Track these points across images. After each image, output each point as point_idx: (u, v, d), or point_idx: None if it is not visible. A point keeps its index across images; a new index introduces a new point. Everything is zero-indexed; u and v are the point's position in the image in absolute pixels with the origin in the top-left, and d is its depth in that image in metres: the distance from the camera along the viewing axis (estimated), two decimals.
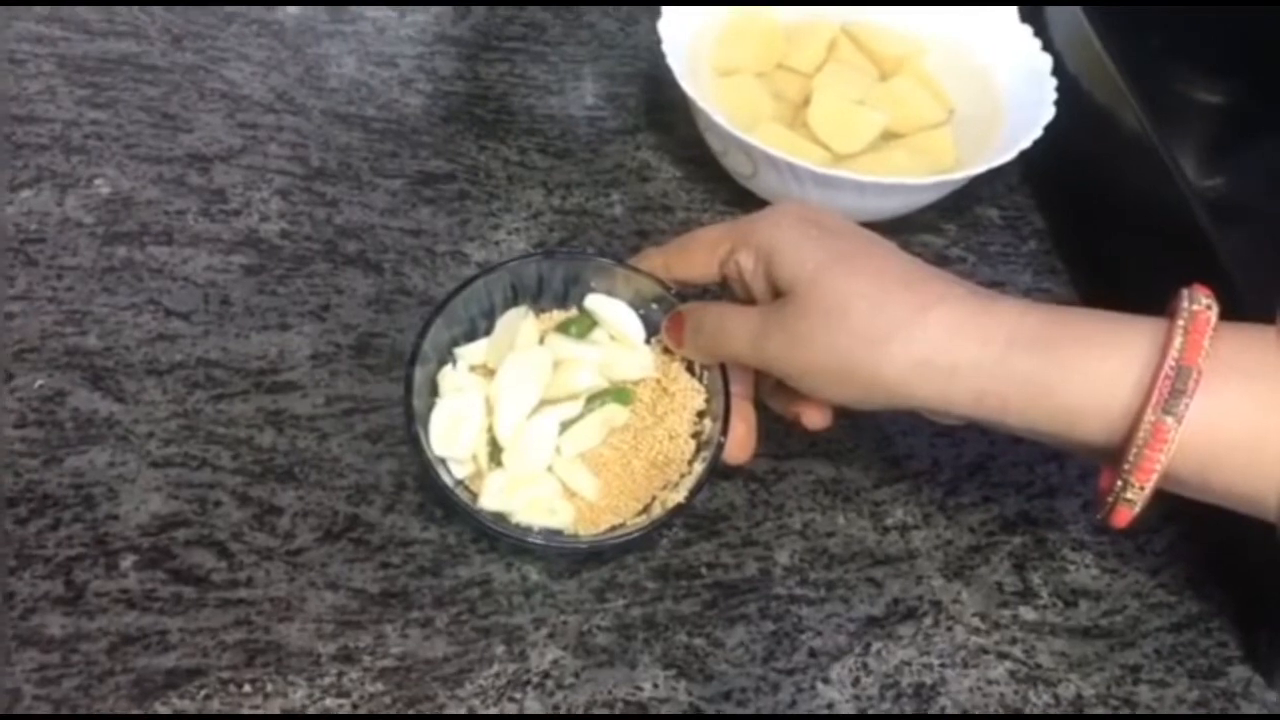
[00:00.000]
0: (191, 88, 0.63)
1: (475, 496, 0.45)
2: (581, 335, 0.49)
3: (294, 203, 0.58)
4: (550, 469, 0.46)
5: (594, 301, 0.50)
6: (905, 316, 0.40)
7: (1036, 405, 0.40)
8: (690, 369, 0.49)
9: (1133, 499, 0.39)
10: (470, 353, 0.48)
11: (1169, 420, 0.37)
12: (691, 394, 0.49)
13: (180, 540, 0.46)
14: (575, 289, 0.51)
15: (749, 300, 0.46)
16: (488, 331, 0.49)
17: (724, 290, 0.48)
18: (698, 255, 0.47)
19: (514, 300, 0.50)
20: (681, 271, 0.48)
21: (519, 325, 0.48)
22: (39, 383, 0.50)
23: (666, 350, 0.49)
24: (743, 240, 0.45)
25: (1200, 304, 0.39)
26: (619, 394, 0.48)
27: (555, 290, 0.51)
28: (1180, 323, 0.38)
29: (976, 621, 0.48)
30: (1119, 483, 0.39)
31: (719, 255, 0.46)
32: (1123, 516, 0.40)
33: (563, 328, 0.50)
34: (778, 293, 0.44)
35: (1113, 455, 0.40)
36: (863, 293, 0.41)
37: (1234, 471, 0.38)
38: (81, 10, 0.66)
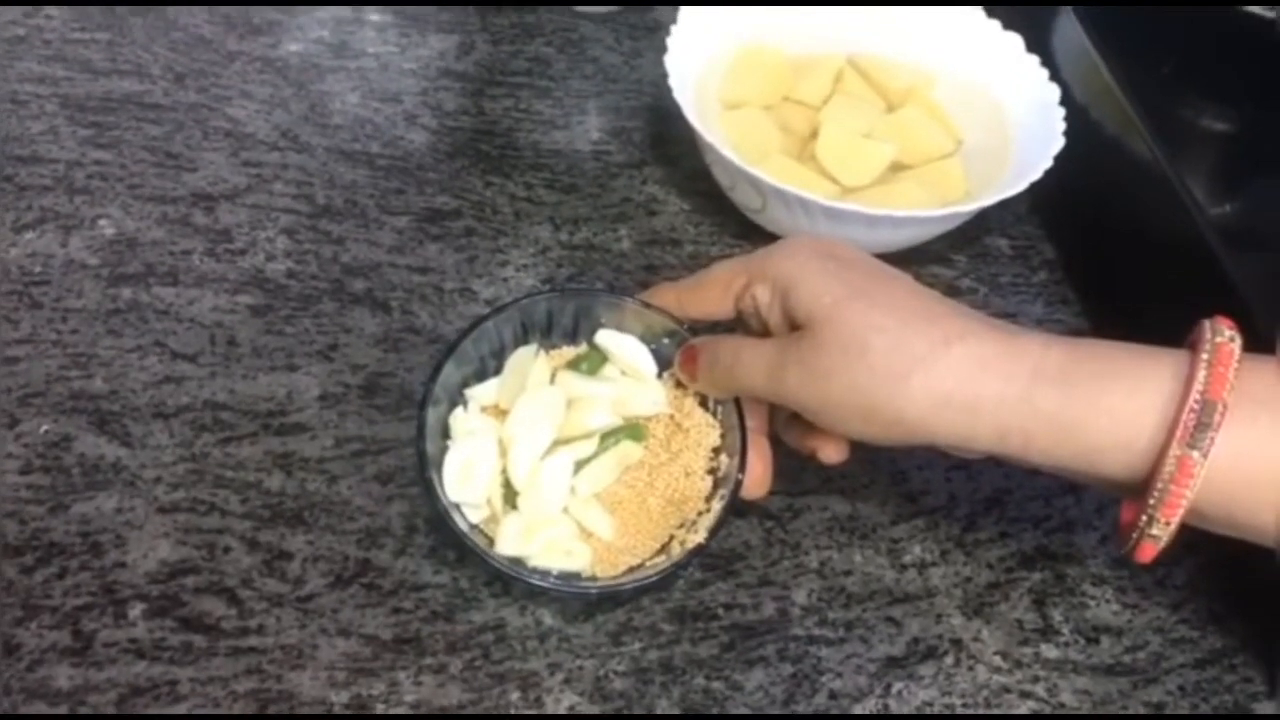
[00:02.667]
0: (195, 127, 0.63)
1: (490, 541, 0.45)
2: (593, 372, 0.49)
3: (300, 241, 0.58)
4: (566, 510, 0.46)
5: (604, 337, 0.50)
6: (926, 352, 0.40)
7: (1061, 441, 0.39)
8: (704, 404, 0.49)
9: (1158, 535, 0.39)
10: (481, 393, 0.48)
11: (1195, 455, 0.37)
12: (706, 429, 0.48)
13: (189, 587, 0.46)
14: (585, 324, 0.50)
15: (764, 334, 0.45)
16: (497, 371, 0.49)
17: (738, 326, 0.48)
18: (712, 291, 0.47)
19: (524, 338, 0.50)
20: (695, 308, 0.48)
21: (530, 364, 0.48)
22: (44, 428, 0.49)
23: (679, 385, 0.49)
24: (759, 274, 0.44)
25: (1224, 336, 0.38)
26: (632, 431, 0.48)
27: (565, 326, 0.50)
28: (1204, 356, 0.38)
29: (998, 660, 0.47)
30: (1144, 518, 0.39)
31: (734, 290, 0.46)
32: (1147, 552, 0.40)
33: (573, 364, 0.49)
34: (794, 326, 0.43)
35: (1136, 490, 0.39)
36: (882, 327, 0.40)
37: (1260, 506, 0.38)
38: (84, 50, 0.65)
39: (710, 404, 0.49)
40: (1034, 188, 0.56)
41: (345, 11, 0.71)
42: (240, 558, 0.47)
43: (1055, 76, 0.61)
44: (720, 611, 0.47)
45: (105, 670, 0.43)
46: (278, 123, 0.64)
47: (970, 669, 0.47)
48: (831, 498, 0.51)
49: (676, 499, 0.47)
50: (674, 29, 0.60)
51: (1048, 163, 0.56)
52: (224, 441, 0.50)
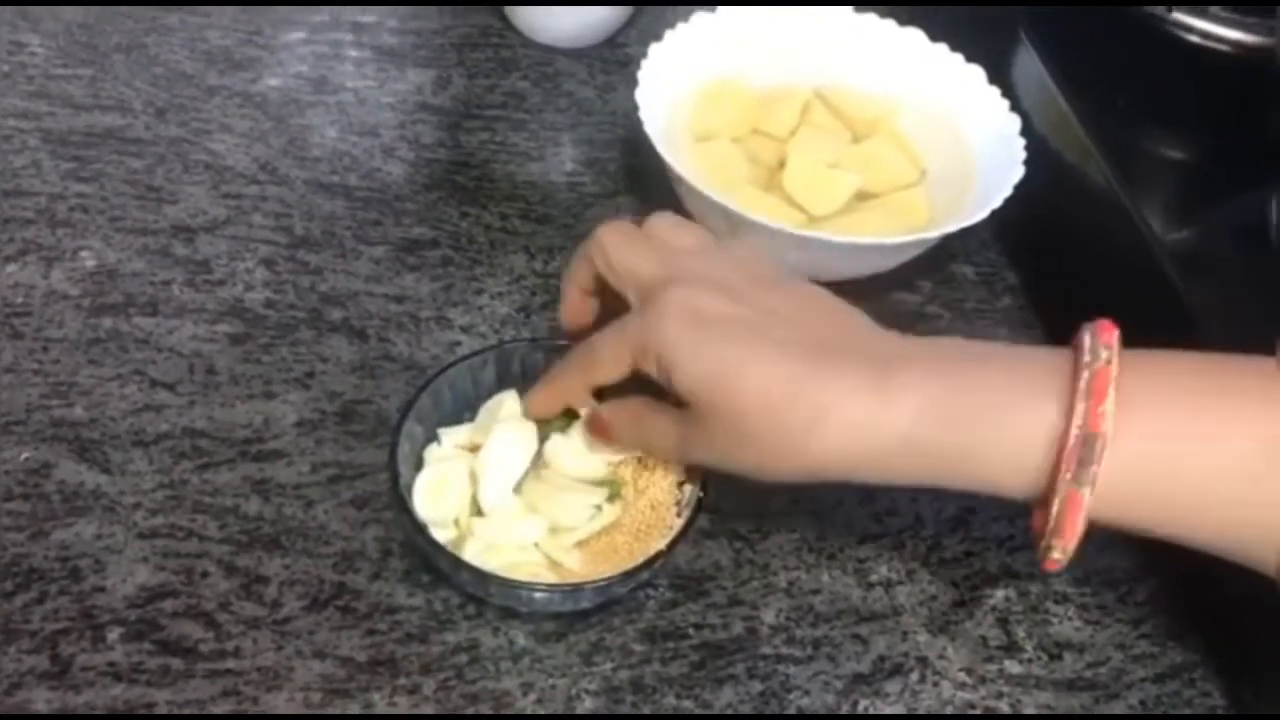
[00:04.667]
0: (176, 160, 0.64)
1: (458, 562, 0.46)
2: (564, 430, 0.49)
3: (278, 272, 0.59)
4: (536, 545, 0.47)
5: None
6: (802, 430, 0.40)
7: (949, 477, 0.41)
8: None
9: (1059, 558, 0.40)
10: (455, 433, 0.49)
11: (1082, 490, 0.38)
12: (672, 466, 0.49)
13: (167, 611, 0.46)
14: None
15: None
16: (470, 417, 0.50)
17: None
18: (604, 369, 0.45)
19: (497, 387, 0.51)
20: (596, 382, 0.46)
21: (503, 402, 0.49)
22: (25, 455, 0.50)
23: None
24: (640, 351, 0.43)
25: (1101, 359, 0.38)
26: (611, 489, 0.49)
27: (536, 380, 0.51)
28: (1081, 384, 0.38)
29: (963, 676, 0.48)
30: (1043, 544, 0.40)
31: (625, 364, 0.44)
32: (1052, 565, 0.41)
33: (543, 432, 0.49)
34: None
35: (1041, 503, 0.40)
36: (753, 412, 0.41)
37: (1155, 514, 0.39)
38: (66, 85, 0.67)
39: None
40: (997, 215, 0.58)
41: (324, 47, 0.72)
42: (218, 582, 0.47)
43: (1016, 107, 0.62)
44: (690, 631, 0.48)
45: (83, 693, 0.44)
46: (257, 156, 0.65)
47: (935, 685, 0.48)
48: (800, 518, 0.52)
49: (643, 532, 0.48)
50: (644, 64, 0.62)
51: (1008, 191, 0.58)
52: (202, 468, 0.51)
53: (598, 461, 0.48)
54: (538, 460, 0.48)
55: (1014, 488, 0.40)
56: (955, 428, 0.39)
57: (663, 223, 0.47)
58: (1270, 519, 0.38)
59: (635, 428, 0.46)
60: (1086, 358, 0.38)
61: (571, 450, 0.48)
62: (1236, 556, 0.40)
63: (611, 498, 0.48)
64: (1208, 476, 0.38)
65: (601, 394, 0.47)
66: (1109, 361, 0.38)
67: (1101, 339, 0.39)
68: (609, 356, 0.45)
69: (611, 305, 0.47)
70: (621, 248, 0.45)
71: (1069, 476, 0.38)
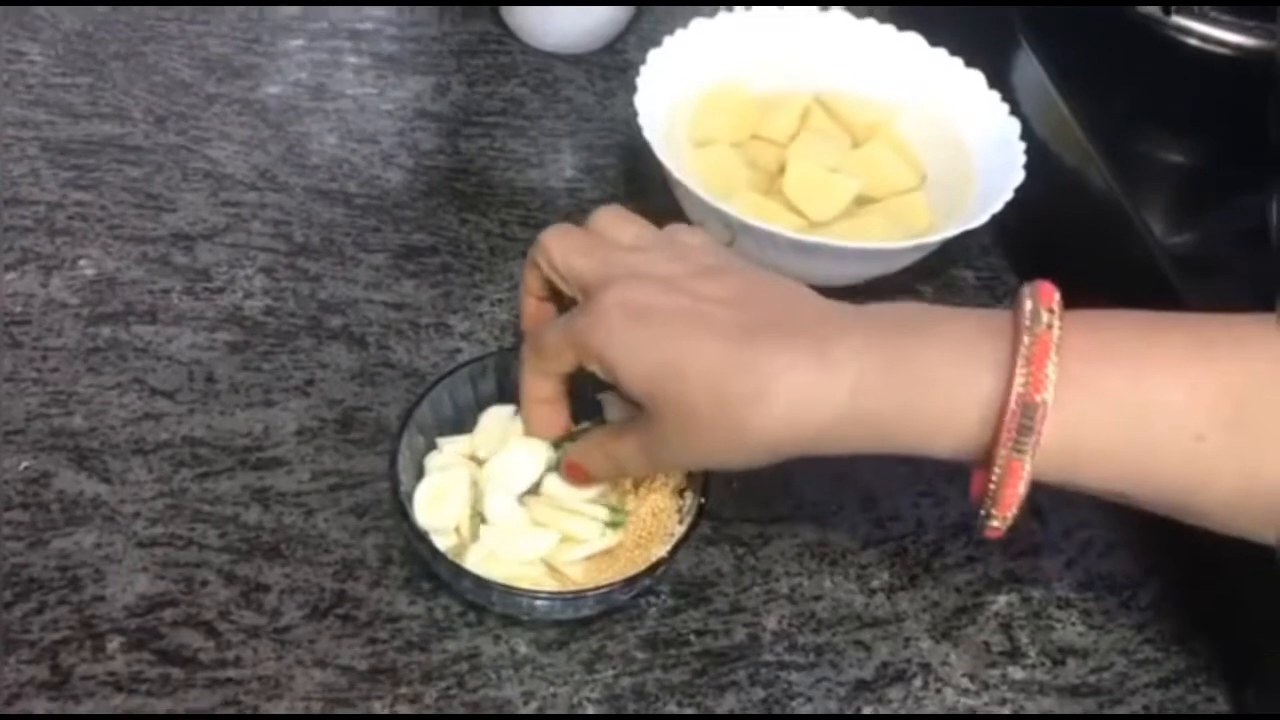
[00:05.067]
0: (175, 168, 0.64)
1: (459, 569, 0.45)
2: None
3: (277, 279, 0.59)
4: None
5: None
6: (748, 410, 0.40)
7: (892, 443, 0.40)
8: None
9: (998, 525, 0.40)
10: (455, 442, 0.49)
11: (1022, 458, 0.37)
12: (672, 473, 0.49)
13: (167, 620, 0.46)
14: None
15: None
16: (471, 427, 0.50)
17: None
18: (551, 361, 0.45)
19: (497, 396, 0.51)
20: (551, 372, 0.46)
21: (510, 424, 0.49)
22: (24, 465, 0.50)
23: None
24: (583, 352, 0.43)
25: (1042, 323, 0.38)
26: (614, 515, 0.48)
27: None
28: (1022, 350, 0.37)
29: (966, 682, 0.48)
30: (982, 512, 0.40)
31: (569, 359, 0.44)
32: (991, 534, 0.41)
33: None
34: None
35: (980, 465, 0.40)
36: (700, 400, 0.40)
37: (1101, 476, 0.39)
38: (65, 94, 0.67)
39: None
40: (997, 220, 0.57)
41: (323, 54, 0.72)
42: (218, 590, 0.47)
43: (1016, 111, 0.62)
44: (692, 638, 0.48)
45: (83, 703, 0.43)
46: (256, 163, 0.65)
47: (938, 692, 0.48)
48: (802, 524, 0.52)
49: (644, 539, 0.48)
50: (643, 69, 0.62)
51: (1009, 195, 0.58)
52: (202, 476, 0.51)
53: (592, 492, 0.48)
54: (540, 480, 0.48)
55: (955, 453, 0.40)
56: (895, 397, 0.39)
57: (605, 217, 0.47)
58: (1216, 477, 0.38)
59: (605, 459, 0.46)
60: (1027, 322, 0.38)
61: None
62: (1184, 515, 0.39)
63: (614, 524, 0.48)
64: (1151, 437, 0.38)
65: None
66: (1050, 326, 0.38)
67: (1042, 302, 0.38)
68: (553, 349, 0.45)
69: (568, 306, 0.47)
70: (564, 251, 0.46)
71: (1009, 445, 0.37)
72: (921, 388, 0.39)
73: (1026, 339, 0.37)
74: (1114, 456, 0.38)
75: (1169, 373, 0.38)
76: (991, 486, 0.38)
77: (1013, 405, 0.37)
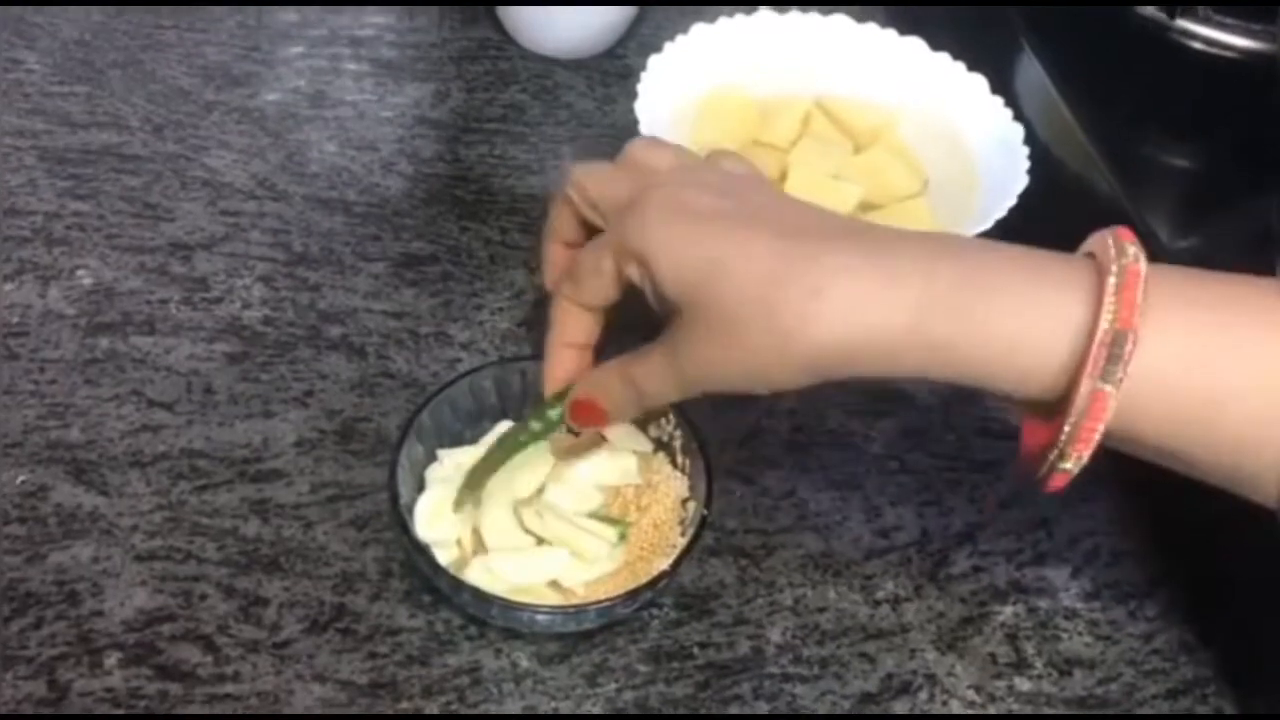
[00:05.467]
0: (173, 177, 0.63)
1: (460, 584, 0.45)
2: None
3: (276, 289, 0.59)
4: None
5: None
6: (800, 312, 0.37)
7: (959, 371, 0.38)
8: (673, 460, 0.50)
9: (1070, 468, 0.38)
10: (456, 454, 0.49)
11: (1108, 389, 0.35)
12: (674, 482, 0.49)
13: (165, 635, 0.46)
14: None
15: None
16: (472, 439, 0.50)
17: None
18: (588, 286, 0.43)
19: (500, 408, 0.50)
20: (585, 303, 0.44)
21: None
22: (21, 479, 0.50)
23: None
24: (620, 252, 0.41)
25: (1128, 256, 0.36)
26: (619, 529, 0.48)
27: (540, 398, 0.50)
28: (1111, 279, 0.36)
29: (971, 694, 0.48)
30: (1055, 451, 0.37)
31: (608, 274, 0.42)
32: (1058, 482, 0.38)
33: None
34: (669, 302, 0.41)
35: (1042, 410, 0.38)
36: (747, 298, 0.38)
37: (1170, 426, 0.37)
38: (63, 103, 0.66)
39: (678, 459, 0.49)
40: (1001, 225, 0.57)
41: (322, 61, 0.72)
42: (217, 604, 0.47)
43: (1019, 116, 0.62)
44: (695, 651, 0.48)
45: None
46: (255, 172, 0.64)
47: (944, 704, 0.47)
48: (805, 534, 0.52)
49: (646, 551, 0.47)
50: (644, 75, 0.61)
51: (1012, 201, 0.57)
52: (200, 489, 0.50)
53: (594, 494, 0.48)
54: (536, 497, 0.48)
55: (1020, 389, 0.37)
56: (970, 318, 0.37)
57: (640, 147, 0.45)
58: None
59: (622, 384, 0.42)
60: (1112, 253, 0.36)
61: (569, 492, 0.48)
62: (1237, 483, 0.38)
63: (622, 536, 0.47)
64: (1231, 388, 0.36)
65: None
66: (1137, 259, 0.36)
67: (1125, 239, 0.37)
68: (590, 269, 0.43)
69: None
70: (599, 181, 0.44)
71: (1096, 374, 0.35)
72: (998, 309, 0.37)
73: (1114, 268, 0.36)
74: (1188, 405, 0.36)
75: (1254, 325, 0.36)
76: (1071, 422, 0.36)
77: (1101, 333, 0.35)
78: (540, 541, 0.46)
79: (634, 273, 0.41)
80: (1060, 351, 0.36)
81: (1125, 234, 0.37)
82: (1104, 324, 0.35)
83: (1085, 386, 0.35)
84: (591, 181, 0.44)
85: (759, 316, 0.38)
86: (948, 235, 0.41)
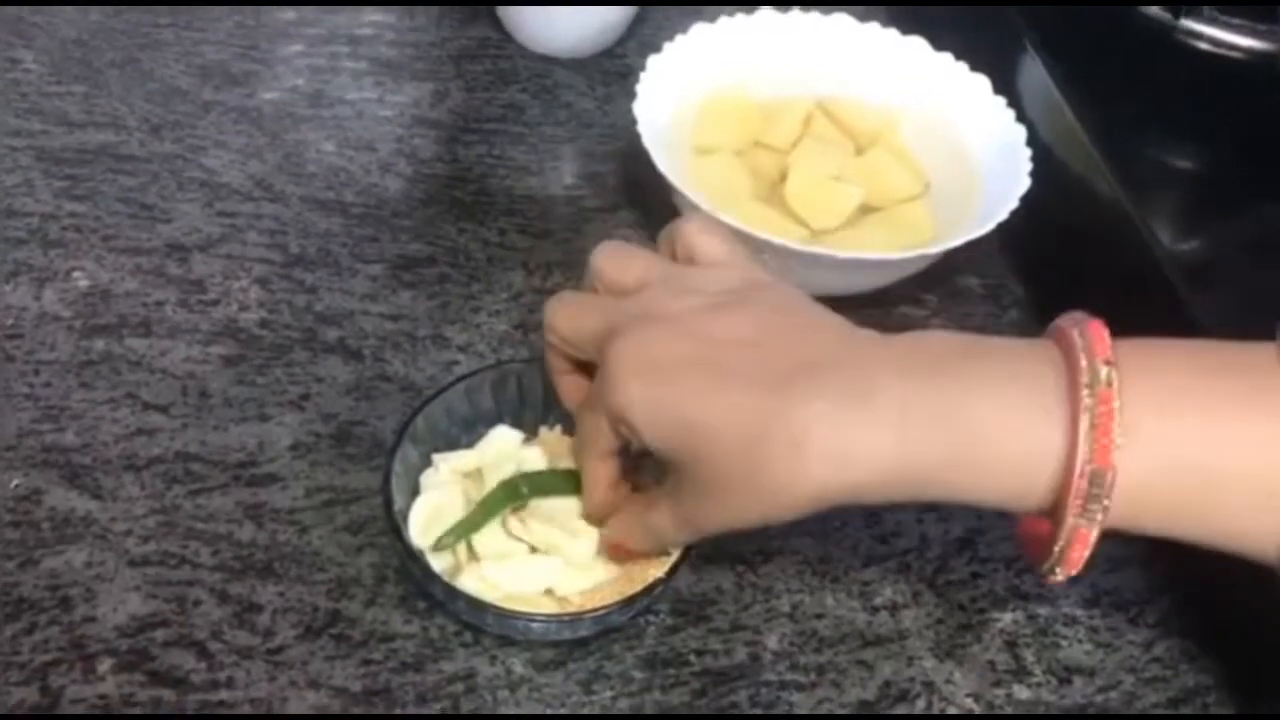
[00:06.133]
0: (170, 177, 0.63)
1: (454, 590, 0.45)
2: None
3: (273, 291, 0.58)
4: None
5: None
6: (783, 468, 0.38)
7: (949, 499, 0.39)
8: None
9: (1060, 578, 0.39)
10: (451, 459, 0.48)
11: (1091, 525, 0.37)
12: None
13: (159, 641, 0.45)
14: (557, 408, 0.49)
15: None
16: (468, 444, 0.49)
17: None
18: (599, 445, 0.43)
19: (496, 412, 0.50)
20: (606, 453, 0.44)
21: (517, 454, 0.48)
22: (15, 482, 0.49)
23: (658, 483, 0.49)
24: (612, 423, 0.41)
25: (1101, 381, 0.36)
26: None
27: (535, 402, 0.50)
28: (1084, 412, 0.36)
29: (970, 703, 0.47)
30: (1045, 565, 0.39)
31: (610, 436, 0.42)
32: (1052, 581, 0.40)
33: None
34: None
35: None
36: (728, 460, 0.38)
37: (1161, 523, 0.38)
38: (60, 102, 0.66)
39: None
40: (1003, 228, 0.57)
41: (321, 60, 0.71)
42: (210, 610, 0.47)
43: (1021, 117, 0.61)
44: (692, 658, 0.47)
45: None
46: (252, 172, 0.64)
47: (943, 711, 0.47)
48: (803, 540, 0.51)
49: (643, 558, 0.47)
50: (643, 76, 0.61)
51: (1014, 203, 0.57)
52: (195, 493, 0.50)
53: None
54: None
55: (1013, 509, 0.39)
56: (945, 452, 0.37)
57: (602, 259, 0.44)
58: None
59: (643, 532, 0.44)
60: (1085, 378, 0.36)
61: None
62: (1239, 554, 0.38)
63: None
64: (1223, 497, 0.37)
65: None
66: (1110, 383, 0.36)
67: (1098, 354, 0.36)
68: (589, 429, 0.43)
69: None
70: (567, 319, 0.43)
71: (1076, 513, 0.36)
72: (974, 444, 0.37)
73: (1087, 397, 0.36)
74: (1182, 512, 0.37)
75: (1238, 431, 0.37)
76: (1057, 549, 0.38)
77: (1079, 473, 0.36)
78: (533, 550, 0.46)
79: (624, 433, 0.41)
80: (1039, 485, 0.37)
81: (1098, 342, 0.37)
82: (1079, 465, 0.36)
83: (1067, 524, 0.37)
84: (561, 320, 0.44)
85: (745, 475, 0.38)
86: (923, 345, 0.40)
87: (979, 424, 0.37)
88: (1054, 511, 0.37)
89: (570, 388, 0.46)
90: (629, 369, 0.39)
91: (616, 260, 0.44)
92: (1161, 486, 0.37)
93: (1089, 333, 0.37)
